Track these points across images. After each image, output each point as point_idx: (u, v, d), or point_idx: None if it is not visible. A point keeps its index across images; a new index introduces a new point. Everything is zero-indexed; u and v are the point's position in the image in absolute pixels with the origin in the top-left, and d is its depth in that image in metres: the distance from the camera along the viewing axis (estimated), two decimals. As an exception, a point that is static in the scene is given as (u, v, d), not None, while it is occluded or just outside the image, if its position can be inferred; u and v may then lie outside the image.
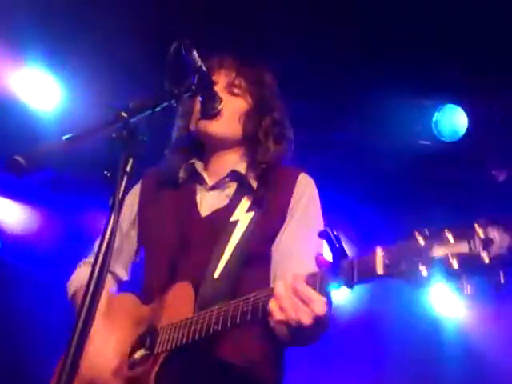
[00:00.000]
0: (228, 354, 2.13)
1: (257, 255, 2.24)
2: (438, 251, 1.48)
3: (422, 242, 1.52)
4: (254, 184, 2.36)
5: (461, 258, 1.45)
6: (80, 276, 2.51)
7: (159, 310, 2.18)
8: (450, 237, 1.47)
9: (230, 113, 2.38)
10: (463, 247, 1.45)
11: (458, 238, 1.46)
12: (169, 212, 2.40)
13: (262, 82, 2.50)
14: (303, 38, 4.22)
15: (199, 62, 2.11)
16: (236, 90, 2.44)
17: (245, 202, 2.32)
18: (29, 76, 4.56)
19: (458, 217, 4.60)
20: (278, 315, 1.77)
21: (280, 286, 1.78)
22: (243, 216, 2.27)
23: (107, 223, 1.54)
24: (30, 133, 4.40)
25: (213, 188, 2.42)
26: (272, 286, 1.85)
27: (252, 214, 2.27)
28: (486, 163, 4.64)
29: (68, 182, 5.47)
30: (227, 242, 2.22)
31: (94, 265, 1.51)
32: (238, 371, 2.14)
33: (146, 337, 2.15)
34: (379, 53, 4.28)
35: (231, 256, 2.19)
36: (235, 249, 2.20)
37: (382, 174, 4.86)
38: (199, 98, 2.31)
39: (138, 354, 2.14)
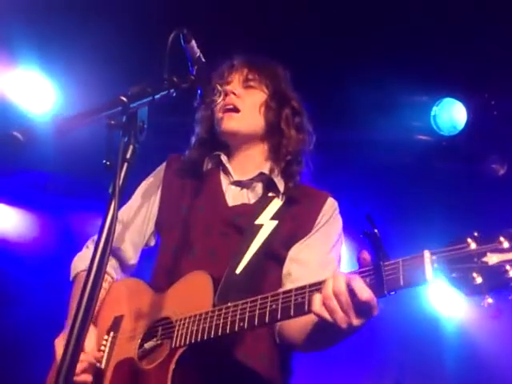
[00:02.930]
0: (245, 355, 2.09)
1: (277, 258, 2.28)
2: (492, 258, 1.41)
3: (473, 246, 1.44)
4: (281, 186, 2.38)
5: None
6: (82, 258, 2.47)
7: (173, 300, 2.13)
8: (504, 243, 1.41)
9: (250, 105, 2.42)
10: None
11: None
12: (193, 198, 2.41)
13: (276, 74, 2.53)
14: (300, 37, 4.19)
15: (198, 53, 2.11)
16: (252, 83, 2.47)
17: (270, 208, 2.34)
18: (22, 78, 4.51)
19: (458, 211, 4.60)
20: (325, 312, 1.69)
21: (341, 283, 1.67)
22: (267, 222, 2.30)
23: (107, 211, 1.49)
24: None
25: (238, 184, 2.44)
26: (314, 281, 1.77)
27: (276, 222, 2.30)
28: (485, 157, 4.61)
29: (62, 185, 5.42)
30: (251, 241, 2.24)
31: (93, 255, 1.46)
32: (252, 372, 2.11)
33: (157, 327, 2.09)
34: (377, 49, 4.26)
35: (254, 255, 2.20)
36: (258, 249, 2.22)
37: (381, 169, 4.82)
38: (198, 91, 2.29)
39: (149, 345, 2.07)
